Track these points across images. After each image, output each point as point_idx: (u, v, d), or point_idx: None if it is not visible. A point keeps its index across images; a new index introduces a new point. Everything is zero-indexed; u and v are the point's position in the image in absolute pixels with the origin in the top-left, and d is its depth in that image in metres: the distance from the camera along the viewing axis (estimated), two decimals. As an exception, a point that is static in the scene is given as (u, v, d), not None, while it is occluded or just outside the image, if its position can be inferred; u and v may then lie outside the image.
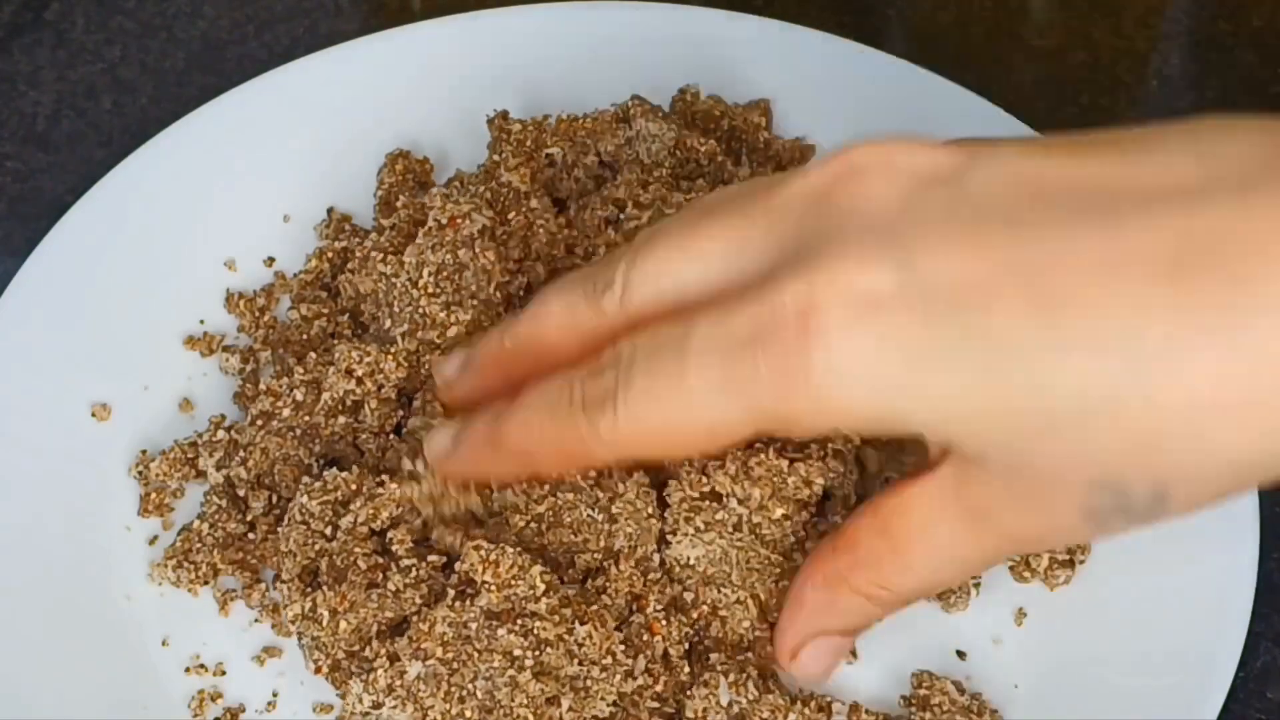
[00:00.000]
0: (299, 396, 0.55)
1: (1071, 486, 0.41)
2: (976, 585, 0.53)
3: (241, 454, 0.55)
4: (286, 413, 0.55)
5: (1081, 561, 0.53)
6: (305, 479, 0.53)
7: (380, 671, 0.49)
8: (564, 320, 0.47)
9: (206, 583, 0.54)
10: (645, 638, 0.50)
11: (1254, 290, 0.37)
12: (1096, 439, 0.39)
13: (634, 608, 0.50)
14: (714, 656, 0.50)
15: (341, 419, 0.55)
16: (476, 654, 0.48)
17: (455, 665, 0.48)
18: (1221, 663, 0.50)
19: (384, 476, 0.52)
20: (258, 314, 0.59)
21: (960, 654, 0.53)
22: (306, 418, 0.55)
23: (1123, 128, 0.41)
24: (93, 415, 0.57)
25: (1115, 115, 0.67)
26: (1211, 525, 0.52)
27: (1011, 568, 0.53)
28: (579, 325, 0.47)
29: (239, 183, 0.62)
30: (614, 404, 0.44)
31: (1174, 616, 0.52)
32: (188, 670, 0.53)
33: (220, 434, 0.56)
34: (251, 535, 0.54)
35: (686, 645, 0.50)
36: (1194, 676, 0.50)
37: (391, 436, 0.55)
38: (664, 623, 0.50)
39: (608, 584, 0.50)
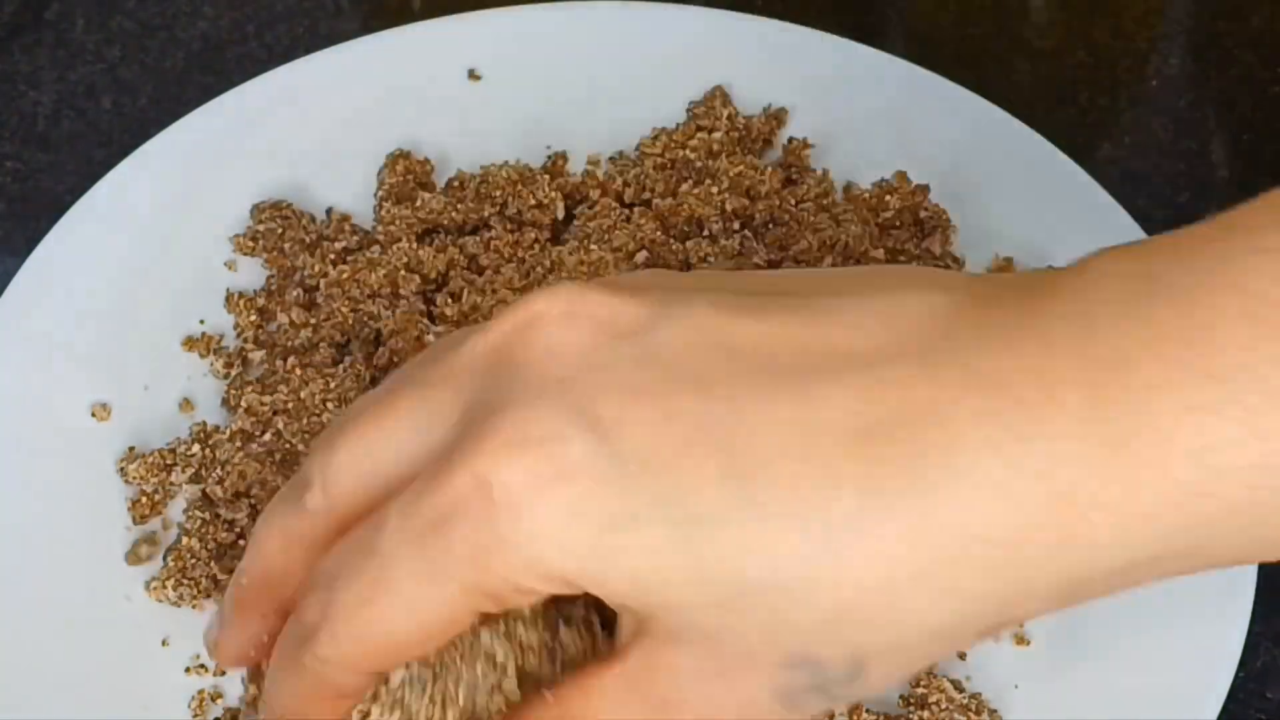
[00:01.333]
0: (280, 425, 0.55)
1: (764, 663, 0.39)
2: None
3: (219, 472, 0.55)
4: (267, 437, 0.55)
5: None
6: None
7: None
8: (279, 541, 0.44)
9: (209, 595, 0.54)
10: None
11: (937, 460, 0.37)
12: (789, 613, 0.38)
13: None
14: None
15: None
16: (459, 659, 0.48)
17: (438, 671, 0.48)
18: (1221, 663, 0.50)
19: None
20: (257, 314, 0.59)
21: (960, 654, 0.53)
22: (287, 445, 0.55)
23: (814, 274, 0.41)
24: (93, 415, 0.57)
25: (1115, 115, 0.67)
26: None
27: None
28: (295, 540, 0.43)
29: (239, 183, 0.62)
30: (330, 629, 0.41)
31: (1174, 617, 0.52)
32: (188, 670, 0.53)
33: (195, 448, 0.56)
34: (242, 542, 0.54)
35: None
36: (1194, 676, 0.50)
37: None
38: None
39: None
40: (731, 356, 0.39)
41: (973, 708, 0.50)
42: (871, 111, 0.63)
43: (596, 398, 0.38)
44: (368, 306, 0.58)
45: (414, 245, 0.59)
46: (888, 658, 0.39)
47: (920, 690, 0.51)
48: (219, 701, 0.52)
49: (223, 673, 0.52)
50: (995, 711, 0.51)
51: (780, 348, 0.39)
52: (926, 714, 0.50)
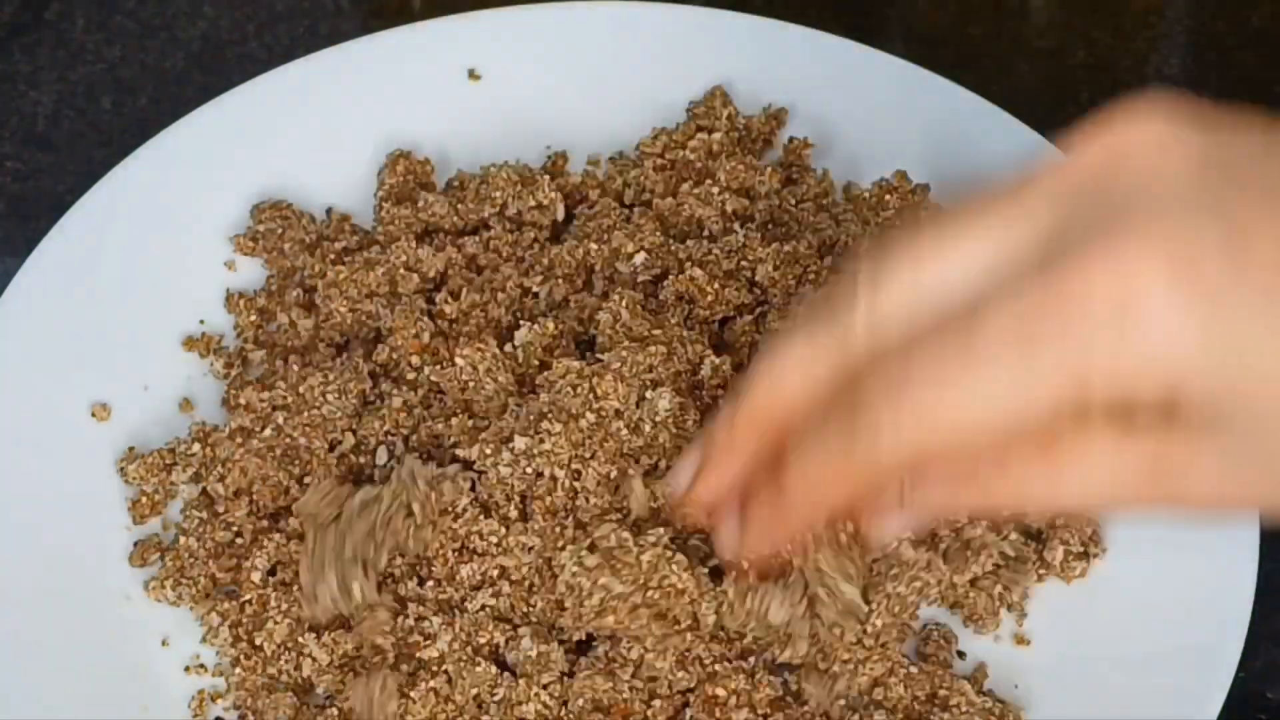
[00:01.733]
0: (280, 420, 0.55)
1: None
2: (1009, 608, 0.53)
3: (219, 469, 0.55)
4: (267, 432, 0.55)
5: (1095, 555, 0.53)
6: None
7: None
8: (805, 369, 0.44)
9: (208, 595, 0.54)
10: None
11: None
12: None
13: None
14: None
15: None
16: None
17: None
18: (1221, 663, 0.50)
19: None
20: (257, 314, 0.59)
21: (960, 654, 0.53)
22: (288, 439, 0.55)
23: None
24: (93, 415, 0.57)
25: (1115, 115, 0.67)
26: (1212, 525, 0.52)
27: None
28: (823, 362, 0.43)
29: (239, 183, 0.62)
30: (896, 410, 0.41)
31: (1174, 616, 0.52)
32: (188, 670, 0.53)
33: (195, 448, 0.56)
34: (240, 540, 0.54)
35: None
36: (1194, 676, 0.50)
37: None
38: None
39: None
40: None
41: (995, 711, 0.51)
42: (871, 111, 0.63)
43: (1233, 206, 0.39)
44: (366, 306, 0.58)
45: (413, 245, 0.59)
46: None
47: (943, 692, 0.51)
48: (219, 701, 0.52)
49: (222, 673, 0.53)
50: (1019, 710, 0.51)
51: None
52: (947, 715, 0.50)
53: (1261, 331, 0.38)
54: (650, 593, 0.49)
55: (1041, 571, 0.53)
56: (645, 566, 0.49)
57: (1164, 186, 0.40)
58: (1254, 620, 0.51)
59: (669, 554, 0.49)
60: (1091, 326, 0.39)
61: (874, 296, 0.42)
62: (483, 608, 0.51)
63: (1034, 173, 0.42)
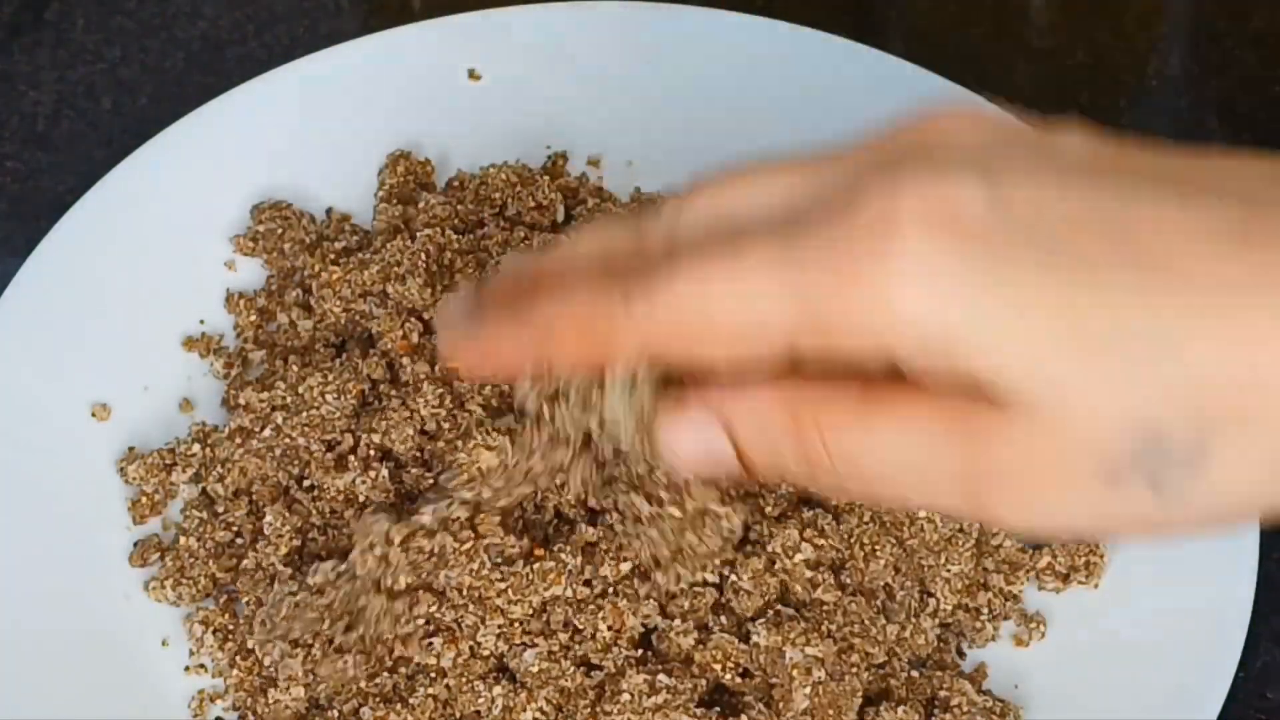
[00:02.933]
0: (279, 420, 0.55)
1: (1102, 429, 0.39)
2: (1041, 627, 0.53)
3: (219, 470, 0.55)
4: (267, 433, 0.55)
5: (1082, 582, 0.53)
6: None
7: None
8: (597, 246, 0.44)
9: (208, 594, 0.54)
10: None
11: None
12: (1149, 370, 0.38)
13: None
14: None
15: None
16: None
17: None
18: (1221, 663, 0.50)
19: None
20: (257, 314, 0.59)
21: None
22: (287, 440, 0.55)
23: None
24: (93, 415, 0.57)
25: (1115, 115, 0.67)
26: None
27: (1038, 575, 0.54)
28: (615, 252, 0.44)
29: (239, 183, 0.62)
30: (658, 280, 0.42)
31: (1174, 616, 0.52)
32: (187, 670, 0.53)
33: (195, 448, 0.56)
34: (239, 540, 0.54)
35: None
36: (1194, 676, 0.50)
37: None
38: None
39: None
40: (1123, 163, 0.41)
41: (995, 710, 0.51)
42: (872, 111, 0.63)
43: (1001, 170, 0.40)
44: (359, 306, 0.58)
45: (406, 244, 0.58)
46: (1233, 455, 0.39)
47: (943, 693, 0.51)
48: (218, 701, 0.52)
49: (221, 673, 0.53)
50: (1019, 710, 0.51)
51: (1166, 166, 0.41)
52: (949, 716, 0.50)
53: (1014, 282, 0.39)
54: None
55: (1051, 583, 0.53)
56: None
57: (951, 149, 0.41)
58: (1254, 620, 0.51)
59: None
60: (848, 243, 0.40)
61: (681, 206, 0.43)
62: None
63: (856, 141, 0.43)
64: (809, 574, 0.52)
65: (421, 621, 0.51)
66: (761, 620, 0.51)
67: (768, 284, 0.41)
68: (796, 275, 0.40)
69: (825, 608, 0.51)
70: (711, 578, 0.52)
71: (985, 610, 0.52)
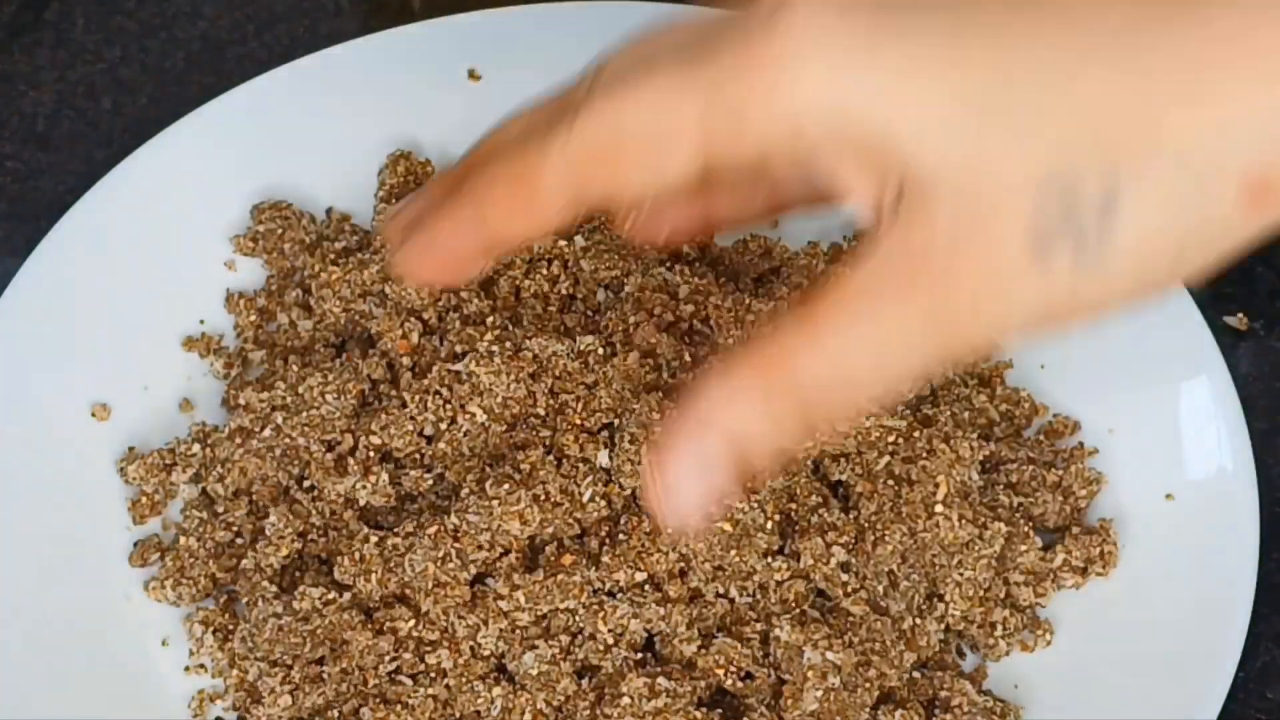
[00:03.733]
0: (279, 420, 0.55)
1: (1019, 192, 0.38)
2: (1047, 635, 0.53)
3: (219, 470, 0.55)
4: (267, 433, 0.55)
5: (1100, 573, 0.53)
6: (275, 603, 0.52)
7: None
8: (524, 126, 0.45)
9: (208, 594, 0.54)
10: None
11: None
12: (1052, 118, 0.38)
13: None
14: None
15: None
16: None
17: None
18: (1221, 663, 0.50)
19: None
20: (257, 314, 0.59)
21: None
22: (287, 440, 0.55)
23: None
24: (93, 415, 0.57)
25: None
26: (1212, 525, 0.52)
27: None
28: (534, 127, 0.44)
29: (239, 183, 0.62)
30: (573, 114, 0.42)
31: (1174, 616, 0.52)
32: (187, 670, 0.53)
33: (195, 448, 0.56)
34: (240, 540, 0.54)
35: None
36: (1194, 676, 0.50)
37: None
38: None
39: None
40: None
41: (996, 710, 0.51)
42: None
43: None
44: (359, 306, 0.58)
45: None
46: (1143, 196, 0.38)
47: (944, 693, 0.51)
48: (218, 701, 0.52)
49: (221, 673, 0.53)
50: (1019, 710, 0.51)
51: None
52: (950, 716, 0.50)
53: (899, 55, 0.38)
54: None
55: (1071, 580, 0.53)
56: None
57: None
58: (1254, 620, 0.51)
59: None
60: (740, 47, 0.39)
61: (598, 63, 0.44)
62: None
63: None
64: (843, 577, 0.52)
65: (407, 657, 0.51)
66: (787, 616, 0.51)
67: (676, 88, 0.40)
68: (700, 73, 0.40)
69: (851, 619, 0.51)
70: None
71: (1000, 627, 0.52)
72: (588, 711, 0.50)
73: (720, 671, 0.50)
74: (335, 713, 0.51)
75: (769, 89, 0.39)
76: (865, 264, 0.40)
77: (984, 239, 0.39)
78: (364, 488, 0.54)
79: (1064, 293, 0.39)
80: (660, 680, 0.50)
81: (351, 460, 0.54)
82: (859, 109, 0.39)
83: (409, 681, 0.51)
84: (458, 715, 0.50)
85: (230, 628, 0.53)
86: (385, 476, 0.54)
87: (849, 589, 0.51)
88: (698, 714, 0.49)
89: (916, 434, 0.53)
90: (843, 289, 0.40)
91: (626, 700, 0.49)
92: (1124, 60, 0.37)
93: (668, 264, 0.57)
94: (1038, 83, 0.38)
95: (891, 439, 0.53)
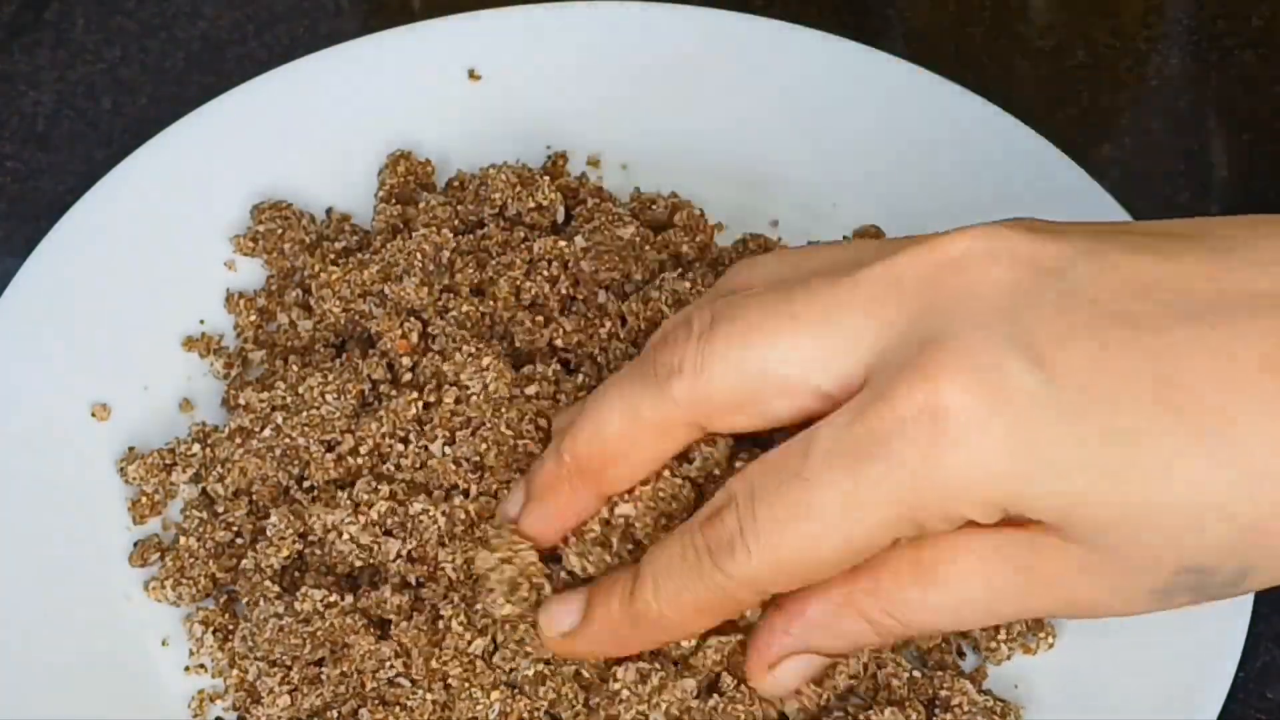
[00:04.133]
0: (279, 420, 0.55)
1: (1155, 572, 0.42)
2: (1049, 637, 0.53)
3: (219, 470, 0.55)
4: (267, 433, 0.55)
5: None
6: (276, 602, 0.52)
7: None
8: (625, 423, 0.46)
9: (208, 595, 0.54)
10: None
11: None
12: (1200, 532, 0.41)
13: None
14: None
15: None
16: None
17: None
18: (1221, 663, 0.50)
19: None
20: (257, 314, 0.59)
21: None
22: (287, 440, 0.55)
23: (1198, 221, 0.43)
24: (93, 415, 0.57)
25: (1115, 115, 0.67)
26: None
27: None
28: (646, 425, 0.45)
29: (239, 183, 0.62)
30: (742, 542, 0.43)
31: (1174, 616, 0.52)
32: (187, 670, 0.53)
33: (195, 448, 0.56)
34: (240, 540, 0.54)
35: None
36: (1194, 676, 0.50)
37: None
38: None
39: None
40: (1149, 292, 0.41)
41: (997, 710, 0.50)
42: (871, 112, 0.63)
43: (1035, 330, 0.41)
44: (359, 306, 0.58)
45: (405, 244, 0.58)
46: (1267, 573, 0.42)
47: (944, 693, 0.51)
48: (218, 701, 0.52)
49: (221, 673, 0.53)
50: (1019, 710, 0.51)
51: (1195, 286, 0.41)
52: (950, 716, 0.50)
53: (1069, 445, 0.41)
54: None
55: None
56: None
57: (980, 303, 0.42)
58: (1254, 620, 0.51)
59: None
60: (906, 445, 0.41)
61: (702, 358, 0.44)
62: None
63: (879, 256, 0.43)
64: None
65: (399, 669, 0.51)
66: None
67: (845, 512, 0.42)
68: (869, 496, 0.42)
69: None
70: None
71: (1003, 630, 0.52)
72: (587, 713, 0.50)
73: (718, 670, 0.50)
74: (334, 714, 0.51)
75: (943, 500, 0.42)
76: (980, 547, 0.44)
77: (1115, 589, 0.44)
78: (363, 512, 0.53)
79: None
80: (650, 665, 0.49)
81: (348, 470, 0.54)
82: (1025, 504, 0.42)
83: (408, 684, 0.51)
84: (456, 718, 0.50)
85: (230, 628, 0.53)
86: (385, 491, 0.53)
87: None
88: (693, 702, 0.49)
89: None
90: (961, 565, 0.44)
91: (626, 693, 0.49)
92: (1263, 464, 0.40)
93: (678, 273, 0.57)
94: (1196, 502, 0.41)
95: None
